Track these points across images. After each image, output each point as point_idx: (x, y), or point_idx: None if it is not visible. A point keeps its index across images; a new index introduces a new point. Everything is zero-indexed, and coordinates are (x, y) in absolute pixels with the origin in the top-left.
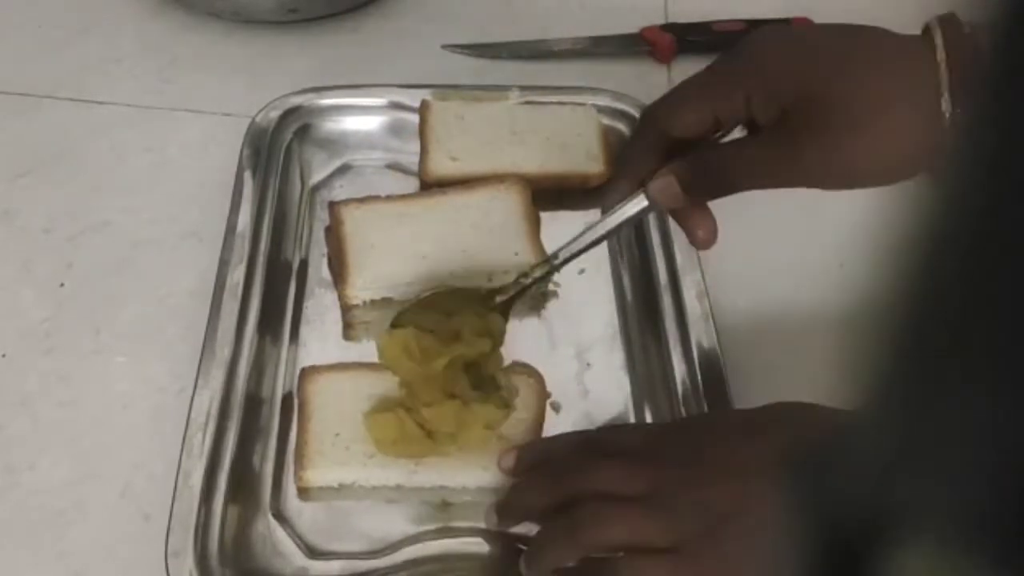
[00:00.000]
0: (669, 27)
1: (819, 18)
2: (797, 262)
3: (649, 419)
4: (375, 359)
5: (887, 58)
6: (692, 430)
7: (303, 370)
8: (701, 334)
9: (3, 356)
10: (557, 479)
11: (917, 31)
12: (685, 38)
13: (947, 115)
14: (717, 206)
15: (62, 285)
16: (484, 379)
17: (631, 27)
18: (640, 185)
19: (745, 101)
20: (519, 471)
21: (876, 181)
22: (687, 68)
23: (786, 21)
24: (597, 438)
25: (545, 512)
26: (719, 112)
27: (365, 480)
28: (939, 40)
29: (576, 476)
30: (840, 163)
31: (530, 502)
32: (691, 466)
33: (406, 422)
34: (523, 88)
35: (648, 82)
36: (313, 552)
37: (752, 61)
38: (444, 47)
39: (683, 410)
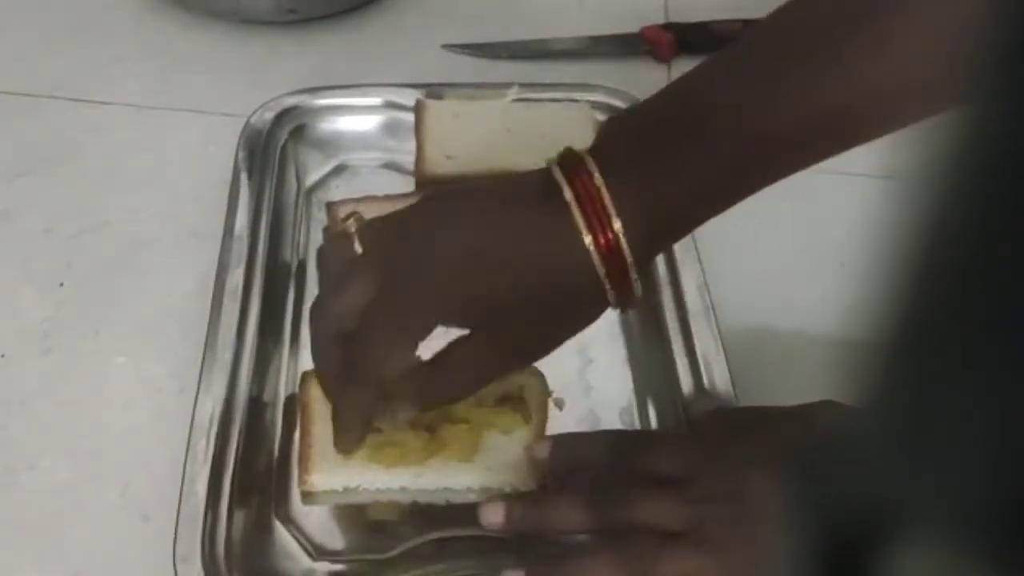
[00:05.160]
0: (669, 27)
1: None
2: (797, 261)
3: (652, 414)
4: None
5: (528, 232)
6: (734, 452)
7: (304, 374)
8: (702, 327)
9: (3, 356)
10: (598, 504)
11: None
12: (685, 38)
13: (590, 247)
14: None
15: (62, 285)
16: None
17: (631, 27)
18: (369, 426)
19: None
20: (552, 467)
21: (568, 334)
22: (687, 68)
23: None
24: (634, 455)
25: (577, 531)
26: (419, 341)
27: (369, 484)
28: (561, 180)
29: (620, 505)
30: (521, 348)
31: (564, 521)
32: (734, 499)
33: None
34: (523, 85)
35: (648, 81)
36: (320, 553)
37: (429, 287)
38: (444, 47)
39: (685, 405)
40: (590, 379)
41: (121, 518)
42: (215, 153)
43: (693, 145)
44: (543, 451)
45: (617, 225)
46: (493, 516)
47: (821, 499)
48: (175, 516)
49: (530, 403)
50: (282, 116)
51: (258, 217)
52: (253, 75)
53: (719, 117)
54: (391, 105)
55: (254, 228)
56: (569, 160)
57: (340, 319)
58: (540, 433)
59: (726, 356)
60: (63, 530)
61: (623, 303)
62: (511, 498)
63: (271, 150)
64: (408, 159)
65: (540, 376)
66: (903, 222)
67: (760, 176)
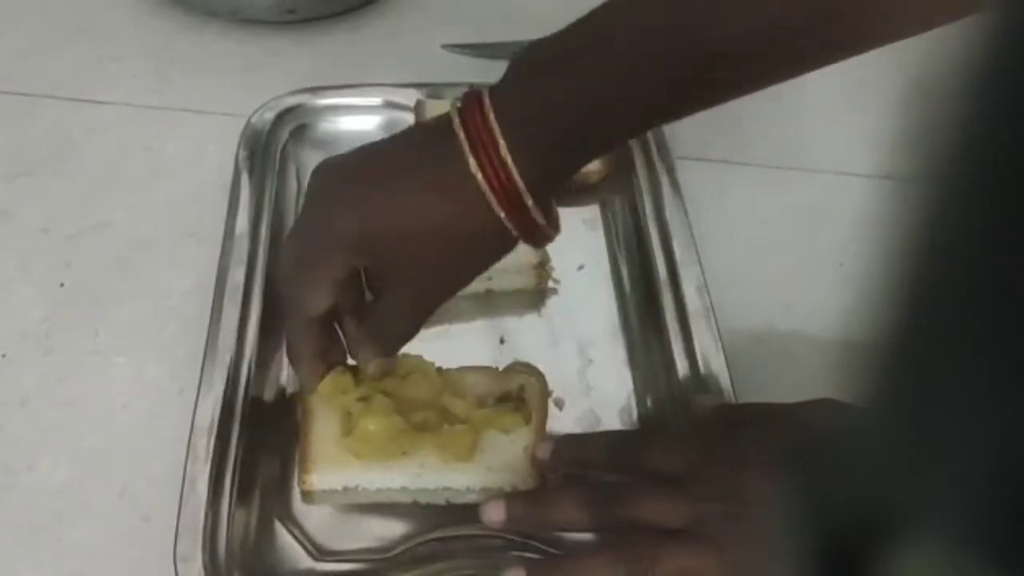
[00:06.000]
0: None
1: None
2: (797, 261)
3: (652, 414)
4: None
5: (426, 170)
6: (735, 450)
7: None
8: (702, 328)
9: (3, 356)
10: (599, 503)
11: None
12: None
13: (482, 184)
14: (719, 204)
15: (61, 285)
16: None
17: None
18: (323, 374)
19: (349, 263)
20: (554, 466)
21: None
22: None
23: None
24: (635, 453)
25: (577, 529)
26: (338, 282)
27: (369, 483)
28: (457, 122)
29: (620, 504)
30: (435, 284)
31: (565, 519)
32: (735, 498)
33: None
34: None
35: None
36: (321, 553)
37: (332, 227)
38: (443, 47)
39: (685, 405)
40: (590, 379)
41: (121, 518)
42: (215, 153)
43: (589, 73)
44: (545, 452)
45: (509, 161)
46: (494, 514)
47: (821, 498)
48: (175, 516)
49: (530, 403)
50: (282, 116)
51: (259, 217)
52: (253, 75)
53: (621, 43)
54: (391, 105)
55: (255, 228)
56: (468, 99)
57: (280, 279)
58: (540, 433)
59: (726, 356)
60: (63, 530)
61: (531, 239)
62: (512, 496)
63: (272, 150)
64: None
65: (540, 376)
66: (903, 222)
67: (663, 103)
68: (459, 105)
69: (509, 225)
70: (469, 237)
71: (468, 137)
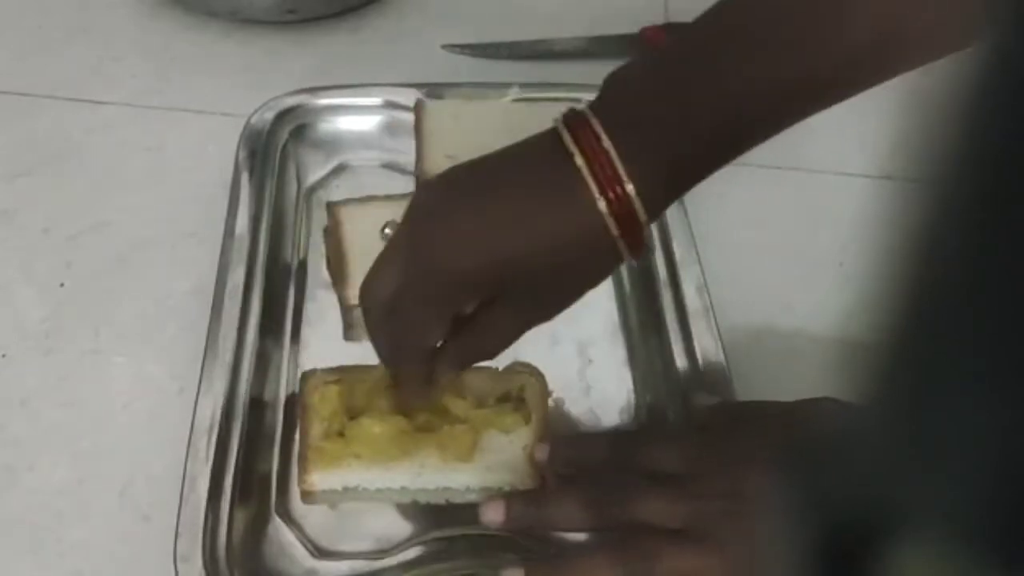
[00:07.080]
0: (669, 27)
1: None
2: (796, 261)
3: (652, 415)
4: (376, 360)
5: (544, 200)
6: (734, 448)
7: (304, 374)
8: (702, 328)
9: (3, 356)
10: (598, 503)
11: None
12: None
13: (603, 210)
14: (719, 204)
15: (62, 285)
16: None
17: (631, 27)
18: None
19: (468, 297)
20: (553, 466)
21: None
22: None
23: None
24: (634, 452)
25: (577, 529)
26: (456, 316)
27: (369, 483)
28: (571, 144)
29: (620, 504)
30: (542, 306)
31: (564, 519)
32: (735, 496)
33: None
34: (523, 86)
35: None
36: (321, 553)
37: (451, 263)
38: (444, 47)
39: (685, 405)
40: (590, 379)
41: (121, 518)
42: (215, 153)
43: (700, 93)
44: (543, 453)
45: (629, 187)
46: (493, 514)
47: (821, 497)
48: (175, 516)
49: (530, 403)
50: (282, 116)
51: (258, 217)
52: (253, 75)
53: (727, 64)
54: (391, 105)
55: (254, 228)
56: (575, 121)
57: (375, 301)
58: (540, 433)
59: (726, 356)
60: (63, 530)
61: (635, 256)
62: (511, 496)
63: (271, 150)
64: (408, 159)
65: (540, 376)
66: (903, 222)
67: (770, 122)
68: (567, 131)
69: (622, 248)
70: (581, 262)
71: (591, 171)
